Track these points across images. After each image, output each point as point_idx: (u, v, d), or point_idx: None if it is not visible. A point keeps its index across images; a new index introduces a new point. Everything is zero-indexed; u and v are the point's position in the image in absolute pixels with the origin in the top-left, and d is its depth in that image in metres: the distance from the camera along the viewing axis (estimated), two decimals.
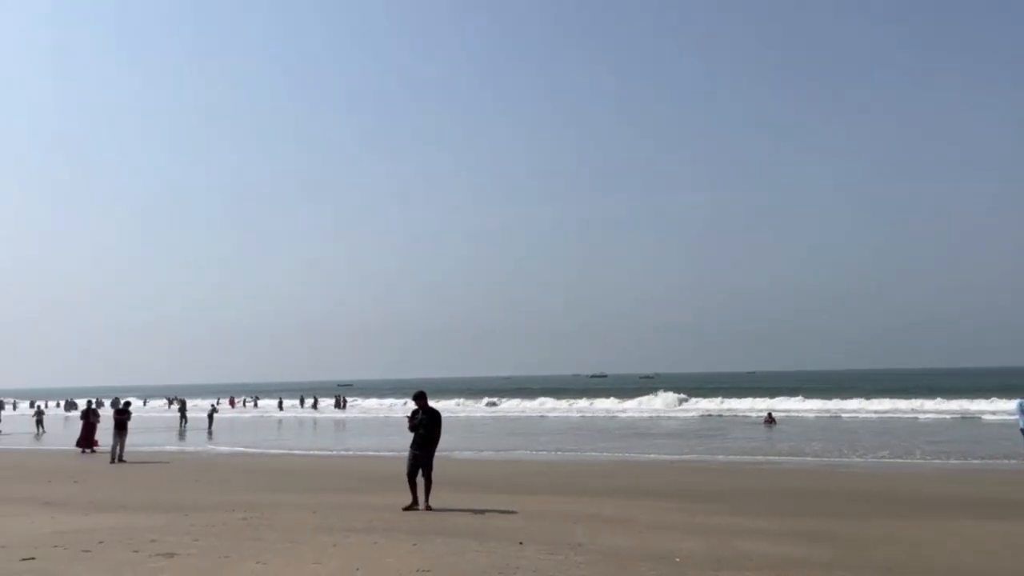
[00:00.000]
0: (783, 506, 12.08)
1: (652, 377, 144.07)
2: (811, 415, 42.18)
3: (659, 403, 53.82)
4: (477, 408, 57.60)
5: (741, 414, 44.85)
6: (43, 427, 37.70)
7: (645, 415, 46.15)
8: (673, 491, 14.14)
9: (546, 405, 56.75)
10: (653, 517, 10.74)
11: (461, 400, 64.33)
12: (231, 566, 7.42)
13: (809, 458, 21.17)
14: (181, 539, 8.86)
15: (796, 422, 37.14)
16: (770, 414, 37.31)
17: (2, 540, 8.81)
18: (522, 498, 12.79)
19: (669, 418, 43.27)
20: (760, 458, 21.32)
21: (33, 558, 7.81)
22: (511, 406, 58.10)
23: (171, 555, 7.92)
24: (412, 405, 11.65)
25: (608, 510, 11.41)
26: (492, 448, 25.43)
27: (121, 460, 20.28)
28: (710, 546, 8.49)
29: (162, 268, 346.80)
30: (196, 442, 30.13)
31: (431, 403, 11.64)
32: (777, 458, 21.27)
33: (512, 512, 11.00)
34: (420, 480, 11.06)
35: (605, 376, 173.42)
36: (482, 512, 10.93)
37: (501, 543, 8.48)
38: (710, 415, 44.79)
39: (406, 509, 10.90)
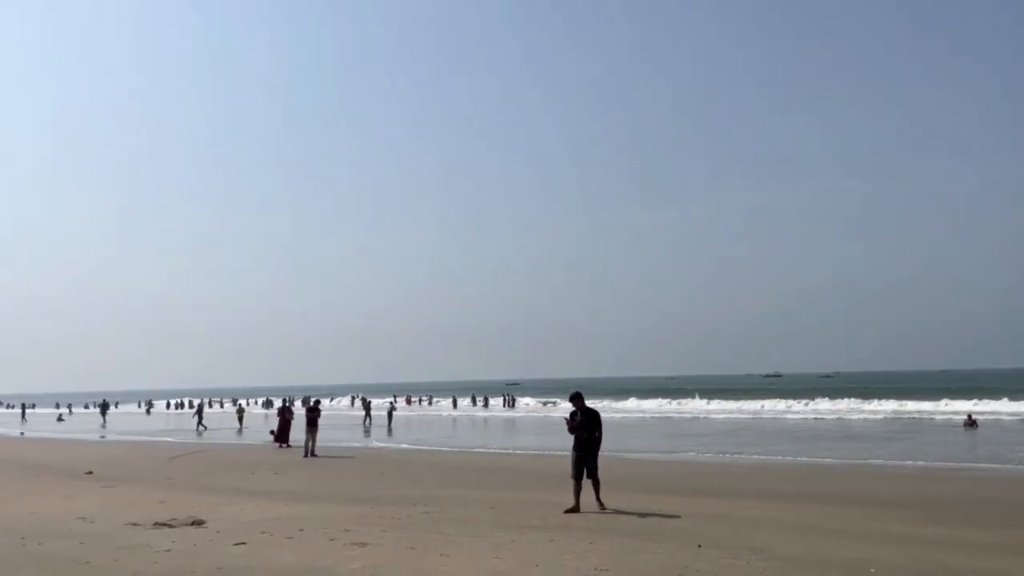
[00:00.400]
0: (990, 516, 11.08)
1: (831, 376, 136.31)
2: (1017, 418, 38.29)
3: (838, 403, 50.70)
4: (638, 408, 56.86)
5: (927, 415, 41.45)
6: (243, 423, 41.19)
7: (825, 416, 43.71)
8: (860, 497, 13.33)
9: (712, 406, 54.92)
10: (840, 524, 10.18)
11: (621, 400, 63.48)
12: (417, 557, 7.79)
13: (1017, 466, 19.24)
14: (371, 530, 9.42)
15: (999, 425, 33.88)
16: (970, 416, 34.23)
17: (217, 526, 9.74)
18: (696, 500, 12.54)
19: (850, 419, 40.76)
20: (954, 464, 19.63)
21: (244, 543, 8.57)
22: (673, 407, 56.75)
23: (363, 544, 8.43)
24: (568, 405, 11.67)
25: (789, 515, 10.95)
26: (659, 449, 25.06)
27: (313, 454, 21.81)
28: (909, 557, 7.94)
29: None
30: (378, 438, 31.84)
31: (589, 403, 11.60)
32: (979, 465, 19.51)
33: (687, 514, 10.81)
34: (586, 483, 10.99)
35: (780, 376, 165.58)
36: (657, 513, 10.80)
37: (678, 545, 8.36)
38: (898, 417, 41.72)
39: (567, 512, 10.81)
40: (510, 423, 44.89)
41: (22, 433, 41.13)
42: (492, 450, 25.48)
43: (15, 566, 7.46)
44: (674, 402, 60.13)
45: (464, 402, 69.20)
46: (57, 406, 76.60)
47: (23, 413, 65.09)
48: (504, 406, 64.56)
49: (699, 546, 8.27)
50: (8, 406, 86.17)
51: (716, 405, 55.01)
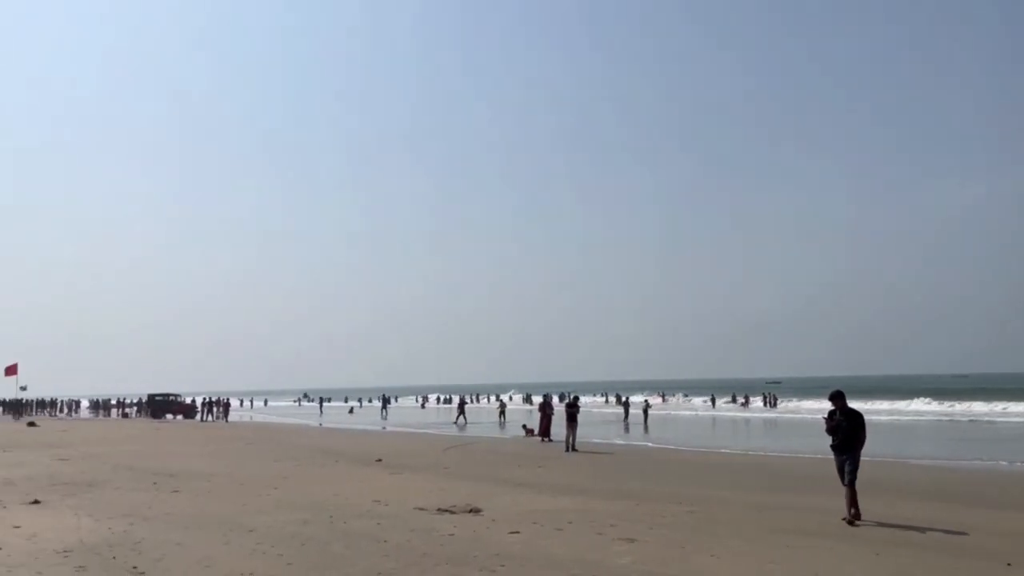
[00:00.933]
0: None
1: None
2: None
3: None
4: (911, 408, 51.21)
5: None
6: (505, 417, 43.34)
7: None
8: None
9: (998, 408, 47.50)
10: None
11: (896, 400, 57.37)
12: (687, 557, 7.72)
13: None
14: (636, 526, 9.48)
15: None
16: None
17: (493, 514, 10.35)
18: (989, 512, 11.13)
19: None
20: None
21: (518, 532, 9.03)
22: (953, 408, 50.16)
23: (631, 540, 8.51)
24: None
25: None
26: (940, 455, 22.48)
27: (574, 449, 22.40)
28: None
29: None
30: (635, 436, 31.91)
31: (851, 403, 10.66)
32: None
33: (981, 528, 9.63)
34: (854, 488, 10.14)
35: None
36: (945, 526, 9.71)
37: (981, 562, 7.50)
38: None
39: (847, 520, 9.98)
40: (771, 423, 42.84)
41: (320, 424, 46.62)
42: (754, 451, 24.48)
43: (326, 541, 8.48)
44: (949, 403, 53.27)
45: (722, 401, 67.20)
46: (346, 400, 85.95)
47: (320, 406, 73.76)
48: (765, 405, 61.79)
49: (1008, 564, 7.36)
50: (309, 399, 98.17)
51: (1003, 407, 47.72)
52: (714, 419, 48.16)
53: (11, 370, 51.63)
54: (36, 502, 11.35)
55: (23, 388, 54.50)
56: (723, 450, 24.62)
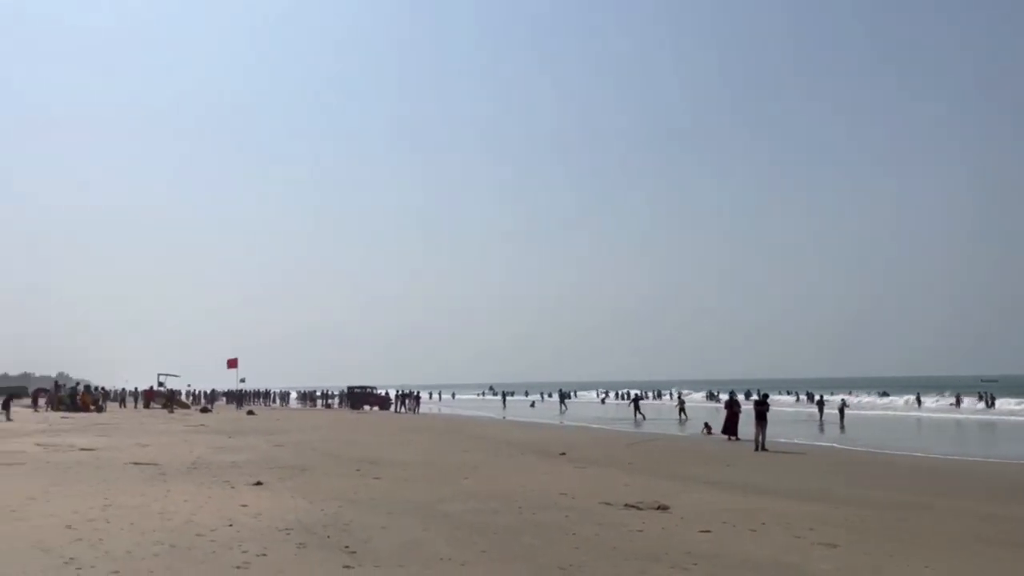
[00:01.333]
0: None
1: None
2: None
3: None
4: None
5: None
6: (685, 414, 42.38)
7: None
8: None
9: None
10: None
11: None
12: (897, 566, 7.25)
13: None
14: (837, 530, 9.01)
15: None
16: None
17: (681, 512, 10.20)
18: None
19: None
20: None
21: (709, 531, 8.85)
22: None
23: (832, 545, 8.10)
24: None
25: None
26: None
27: (763, 448, 21.57)
28: None
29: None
30: (830, 436, 30.19)
31: None
32: None
33: None
34: None
35: None
36: None
37: None
38: None
39: None
40: (987, 426, 39.00)
41: (504, 417, 47.94)
42: (966, 456, 22.39)
43: (517, 531, 8.74)
44: None
45: (929, 400, 61.89)
46: (526, 394, 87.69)
47: (503, 400, 75.82)
48: (981, 404, 56.28)
49: None
50: (494, 393, 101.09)
51: None
52: (919, 420, 44.62)
53: (232, 363, 57.17)
54: (259, 483, 12.54)
55: (242, 380, 60.27)
56: (929, 453, 22.77)
